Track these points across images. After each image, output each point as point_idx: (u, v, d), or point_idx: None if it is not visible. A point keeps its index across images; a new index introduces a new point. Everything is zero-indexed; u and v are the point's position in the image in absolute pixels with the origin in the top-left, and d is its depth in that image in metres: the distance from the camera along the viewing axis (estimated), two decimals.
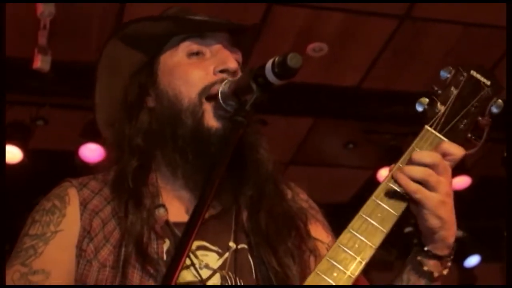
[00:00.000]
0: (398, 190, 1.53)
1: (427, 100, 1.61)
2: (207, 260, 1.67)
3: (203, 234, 1.65)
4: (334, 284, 1.47)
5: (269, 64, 1.47)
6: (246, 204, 1.76)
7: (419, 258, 1.58)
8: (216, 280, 1.66)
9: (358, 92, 5.88)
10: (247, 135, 1.69)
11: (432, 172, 1.51)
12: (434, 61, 5.52)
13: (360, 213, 1.53)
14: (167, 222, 1.69)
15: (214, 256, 1.68)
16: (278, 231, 1.73)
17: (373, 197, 1.54)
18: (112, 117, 1.85)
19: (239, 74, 1.75)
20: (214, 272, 1.66)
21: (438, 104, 1.61)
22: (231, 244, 1.71)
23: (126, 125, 1.78)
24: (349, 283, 1.48)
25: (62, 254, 1.66)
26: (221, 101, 1.64)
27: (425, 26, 5.28)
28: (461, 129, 1.60)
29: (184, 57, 1.79)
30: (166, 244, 1.66)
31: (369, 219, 1.52)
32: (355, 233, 1.51)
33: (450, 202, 1.55)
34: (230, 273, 1.67)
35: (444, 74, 1.65)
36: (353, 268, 1.49)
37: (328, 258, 1.49)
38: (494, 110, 1.62)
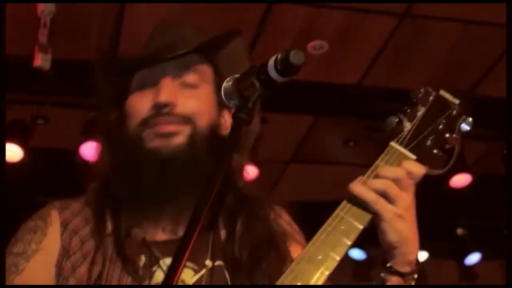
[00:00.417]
0: (361, 203, 1.56)
1: (395, 119, 1.65)
2: (182, 276, 1.68)
3: None
4: None
5: (271, 62, 1.47)
6: (225, 223, 1.79)
7: (382, 274, 1.59)
8: None
9: (359, 89, 5.88)
10: (232, 160, 1.71)
11: (393, 184, 1.54)
12: (435, 59, 5.52)
13: (325, 225, 1.55)
14: (143, 240, 1.72)
15: (190, 272, 1.70)
16: (256, 252, 1.75)
17: (338, 210, 1.57)
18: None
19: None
20: None
21: (405, 121, 1.65)
22: (207, 262, 1.72)
23: (105, 151, 1.84)
24: None
25: (42, 271, 1.69)
26: (224, 98, 1.64)
27: (425, 24, 5.28)
28: (428, 145, 1.64)
29: (134, 89, 1.83)
30: (142, 261, 1.70)
31: (333, 231, 1.54)
32: (319, 246, 1.52)
33: (411, 218, 1.56)
34: None
35: (414, 94, 1.69)
36: (316, 279, 1.49)
37: (292, 269, 1.50)
38: (465, 127, 1.66)
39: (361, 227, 1.55)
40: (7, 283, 1.66)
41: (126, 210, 1.76)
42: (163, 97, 1.74)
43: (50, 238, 1.72)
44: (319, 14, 5.13)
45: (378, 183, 1.55)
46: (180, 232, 1.71)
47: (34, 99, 5.53)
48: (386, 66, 5.67)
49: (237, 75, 1.56)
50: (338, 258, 1.52)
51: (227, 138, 1.51)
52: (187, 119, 1.75)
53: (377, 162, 1.61)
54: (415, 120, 1.66)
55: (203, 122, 1.77)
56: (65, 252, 1.70)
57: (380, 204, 1.53)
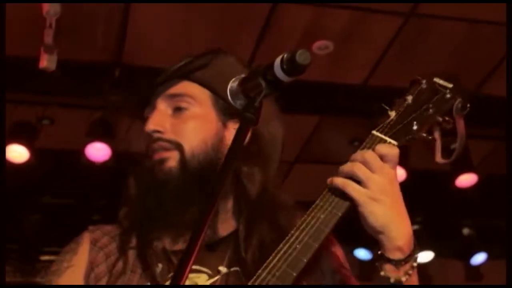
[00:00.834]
0: (338, 191, 1.59)
1: (383, 111, 1.72)
2: (196, 281, 1.72)
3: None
4: None
5: (277, 61, 1.48)
6: (246, 230, 1.80)
7: (377, 263, 1.59)
8: None
9: (364, 89, 5.87)
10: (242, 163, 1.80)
11: (361, 166, 1.58)
12: (440, 58, 5.51)
13: (305, 216, 1.58)
14: (163, 249, 1.78)
15: (204, 277, 1.74)
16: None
17: (317, 200, 1.61)
18: None
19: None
20: None
21: (390, 111, 1.72)
22: (221, 268, 1.75)
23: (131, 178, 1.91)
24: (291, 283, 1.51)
25: (71, 284, 1.79)
26: (230, 99, 1.64)
27: (431, 23, 5.28)
28: (414, 129, 1.67)
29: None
30: (160, 268, 1.74)
31: (313, 220, 1.57)
32: (298, 235, 1.56)
33: (389, 202, 1.56)
34: None
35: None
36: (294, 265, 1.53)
37: (269, 261, 1.55)
38: (459, 109, 1.67)
39: (339, 214, 1.57)
40: None
41: (148, 227, 1.82)
42: (151, 126, 1.83)
43: (79, 255, 1.83)
44: (324, 14, 5.13)
45: (346, 166, 1.59)
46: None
47: (40, 100, 5.53)
48: (392, 66, 5.66)
49: (243, 75, 1.57)
50: (316, 246, 1.54)
51: (233, 139, 1.51)
52: (176, 144, 1.80)
53: (358, 151, 1.64)
54: (400, 108, 1.71)
55: (194, 143, 1.80)
56: (91, 266, 1.80)
57: (350, 187, 1.57)
